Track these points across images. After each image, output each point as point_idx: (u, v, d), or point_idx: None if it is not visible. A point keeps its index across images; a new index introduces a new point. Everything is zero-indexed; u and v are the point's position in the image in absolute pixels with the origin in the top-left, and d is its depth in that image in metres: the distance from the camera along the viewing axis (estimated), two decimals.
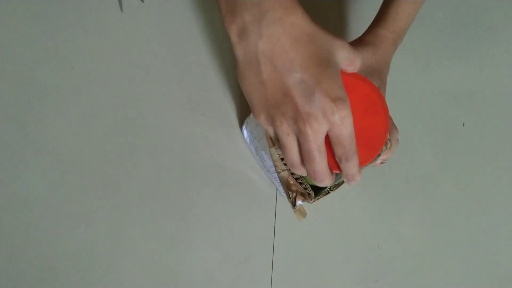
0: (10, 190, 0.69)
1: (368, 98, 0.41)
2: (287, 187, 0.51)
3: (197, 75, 0.75)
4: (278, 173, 0.50)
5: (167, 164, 0.72)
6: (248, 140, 0.70)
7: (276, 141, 0.44)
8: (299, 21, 0.38)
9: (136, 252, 0.70)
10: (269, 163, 0.54)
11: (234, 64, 0.41)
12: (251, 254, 0.73)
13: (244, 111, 0.74)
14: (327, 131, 0.39)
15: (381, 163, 0.54)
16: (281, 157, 0.49)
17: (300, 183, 0.51)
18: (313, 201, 0.52)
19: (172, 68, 0.74)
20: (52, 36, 0.72)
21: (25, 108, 0.70)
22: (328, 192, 0.52)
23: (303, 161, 0.41)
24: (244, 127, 0.70)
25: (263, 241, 0.73)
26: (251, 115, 0.63)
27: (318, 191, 0.53)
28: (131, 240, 0.70)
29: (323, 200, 0.58)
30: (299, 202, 0.51)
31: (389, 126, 0.42)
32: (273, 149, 0.49)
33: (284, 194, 0.53)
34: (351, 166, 0.41)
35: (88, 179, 0.71)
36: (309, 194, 0.51)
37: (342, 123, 0.38)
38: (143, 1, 0.75)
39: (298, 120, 0.38)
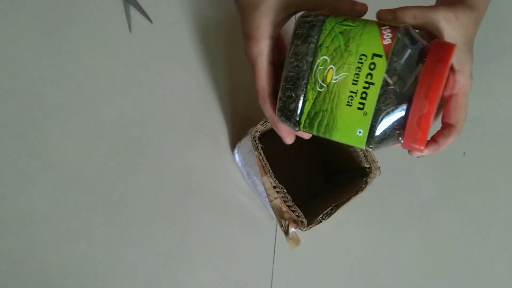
0: (12, 205, 0.70)
1: None
2: (279, 215, 0.51)
3: (200, 97, 0.75)
4: (271, 201, 0.50)
5: (169, 184, 0.73)
6: (239, 164, 0.70)
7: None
8: None
9: (135, 272, 0.71)
10: (261, 188, 0.55)
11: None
12: (250, 278, 0.73)
13: (236, 134, 0.75)
14: None
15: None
16: (273, 185, 0.50)
17: (293, 211, 0.51)
18: (305, 229, 0.52)
19: (176, 89, 0.75)
20: (60, 54, 0.74)
21: (30, 124, 0.72)
22: (321, 221, 0.52)
23: None
24: (236, 151, 0.70)
25: (262, 265, 0.73)
26: (243, 141, 0.64)
27: (310, 220, 0.53)
28: (131, 259, 0.71)
29: (322, 226, 0.58)
30: (292, 230, 0.51)
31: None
32: (265, 178, 0.49)
33: (276, 220, 0.53)
34: None
35: (90, 197, 0.71)
36: (302, 222, 0.51)
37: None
38: (151, 22, 0.76)
39: None
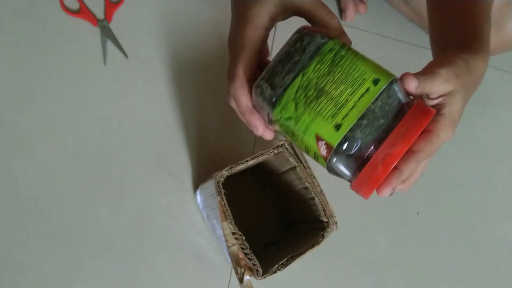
0: None
1: None
2: (235, 262, 0.51)
3: (167, 135, 0.76)
4: (228, 247, 0.51)
5: (126, 220, 0.72)
6: (200, 206, 0.71)
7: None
8: None
9: None
10: (220, 231, 0.55)
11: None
12: None
13: (200, 175, 0.75)
14: None
15: None
16: (232, 231, 0.50)
17: (250, 259, 0.51)
18: (260, 279, 0.52)
19: (144, 125, 0.75)
20: (31, 79, 0.73)
21: None
22: (276, 271, 0.53)
23: None
24: (198, 192, 0.70)
25: None
26: (206, 183, 0.64)
27: (266, 269, 0.53)
28: None
29: (276, 275, 0.58)
30: (246, 278, 0.51)
31: None
32: (225, 223, 0.50)
33: (232, 265, 0.53)
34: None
35: (43, 226, 0.70)
36: (257, 271, 0.51)
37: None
38: (127, 57, 0.77)
39: None
